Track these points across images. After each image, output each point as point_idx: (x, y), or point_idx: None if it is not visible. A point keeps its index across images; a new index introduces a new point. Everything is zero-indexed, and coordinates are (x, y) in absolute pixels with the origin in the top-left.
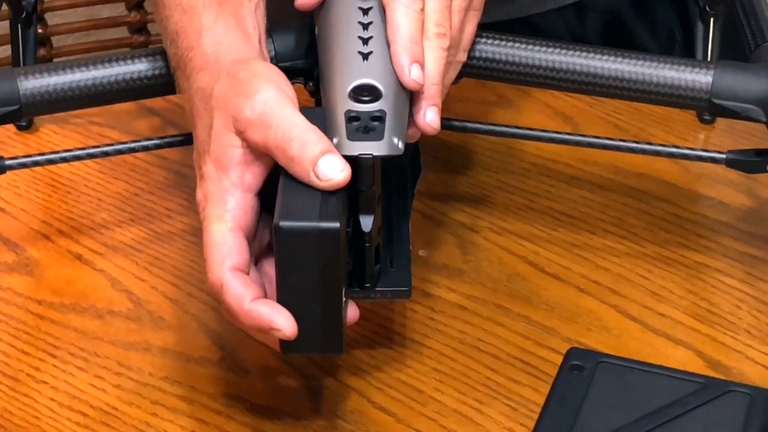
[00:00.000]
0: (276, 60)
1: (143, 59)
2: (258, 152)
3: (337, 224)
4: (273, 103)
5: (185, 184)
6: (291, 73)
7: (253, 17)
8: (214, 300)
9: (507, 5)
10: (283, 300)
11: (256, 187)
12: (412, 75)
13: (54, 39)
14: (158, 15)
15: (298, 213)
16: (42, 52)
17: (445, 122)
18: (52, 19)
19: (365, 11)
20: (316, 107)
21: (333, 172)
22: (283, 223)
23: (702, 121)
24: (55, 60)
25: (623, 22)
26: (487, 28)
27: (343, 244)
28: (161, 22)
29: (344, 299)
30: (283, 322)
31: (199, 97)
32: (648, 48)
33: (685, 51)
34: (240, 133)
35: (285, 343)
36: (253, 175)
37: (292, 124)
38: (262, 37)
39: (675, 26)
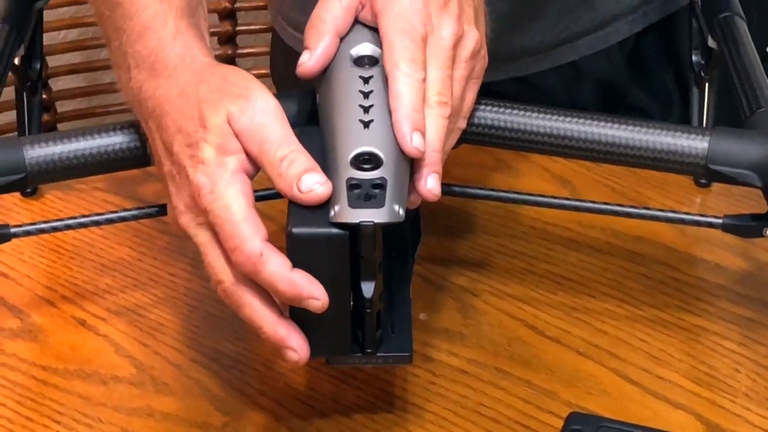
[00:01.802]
0: None
1: None
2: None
3: (346, 231)
4: (272, 115)
5: (188, 249)
6: None
7: (206, 29)
8: (245, 273)
9: (506, 65)
10: None
11: (253, 175)
12: (413, 143)
13: (57, 104)
14: (113, 13)
15: (310, 220)
16: (46, 117)
17: (445, 188)
18: (56, 84)
19: (366, 80)
20: (310, 126)
21: (313, 184)
22: (296, 230)
23: (698, 184)
24: (58, 125)
25: (620, 84)
26: (485, 86)
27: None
28: (118, 20)
29: (351, 303)
30: (319, 292)
31: (177, 92)
32: (645, 108)
33: (682, 112)
34: (236, 134)
35: None
36: (252, 164)
37: (285, 143)
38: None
39: (672, 88)
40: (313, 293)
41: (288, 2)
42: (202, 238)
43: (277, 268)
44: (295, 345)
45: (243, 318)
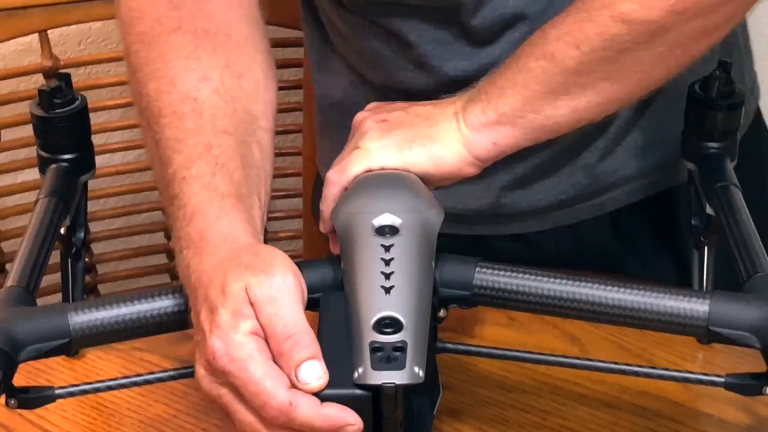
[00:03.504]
0: (309, 291)
1: (182, 293)
2: None
3: (369, 392)
4: (287, 292)
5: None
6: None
7: (258, 215)
8: (280, 425)
9: (509, 223)
10: None
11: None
12: None
13: (98, 266)
14: (170, 193)
15: (335, 379)
16: (87, 278)
17: (463, 347)
18: (97, 247)
19: (387, 248)
20: (336, 292)
21: (311, 377)
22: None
23: (701, 342)
24: (99, 285)
25: (614, 251)
26: (484, 241)
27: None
28: (175, 211)
29: None
30: (353, 418)
31: (212, 265)
32: (636, 271)
33: (675, 273)
34: (252, 303)
35: None
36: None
37: (293, 321)
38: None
39: (666, 261)
40: (348, 420)
41: (324, 148)
42: (226, 398)
43: (310, 409)
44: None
45: None
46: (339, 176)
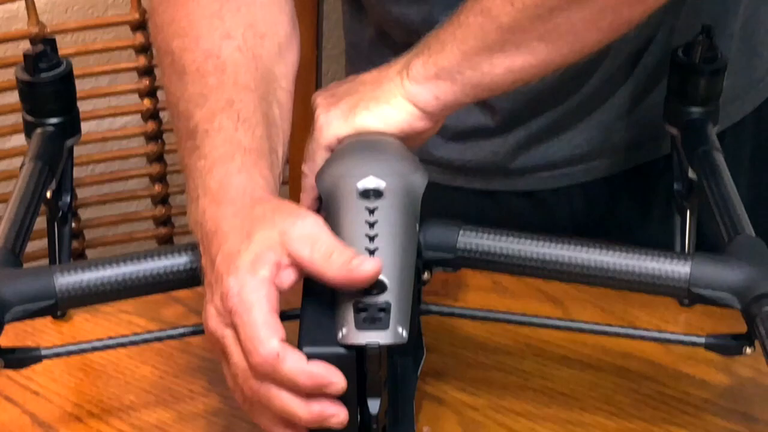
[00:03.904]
0: None
1: (168, 256)
2: (290, 263)
3: (353, 351)
4: (320, 227)
5: (206, 368)
6: None
7: (276, 174)
8: (261, 377)
9: (524, 178)
10: None
11: (281, 288)
12: None
13: (85, 231)
14: (191, 145)
15: (319, 339)
16: (75, 244)
17: (447, 310)
18: (84, 213)
19: (371, 211)
20: None
21: (365, 265)
22: (306, 349)
23: (682, 304)
24: (86, 251)
25: (625, 212)
26: (494, 196)
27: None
28: (195, 161)
29: (358, 418)
30: (337, 377)
31: (233, 212)
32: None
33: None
34: (284, 244)
35: None
36: (281, 278)
37: (334, 243)
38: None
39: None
40: (332, 379)
41: None
42: (227, 340)
43: (295, 364)
44: (334, 411)
45: (277, 410)
46: (305, 167)
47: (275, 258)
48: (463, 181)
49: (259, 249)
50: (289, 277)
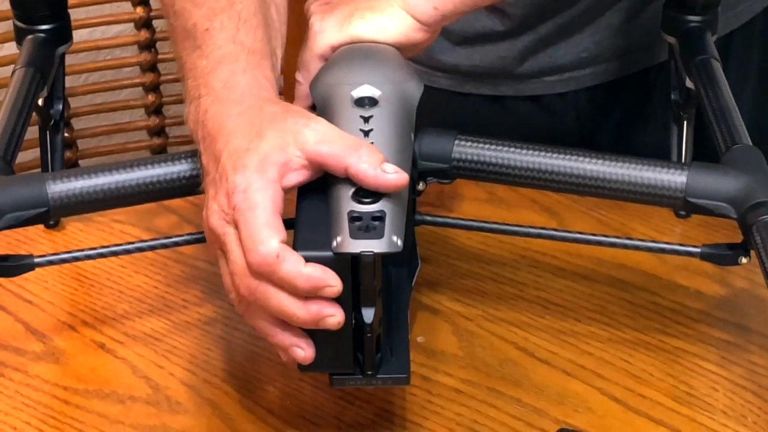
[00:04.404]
0: None
1: (162, 164)
2: (302, 164)
3: (348, 256)
4: (335, 129)
5: (200, 277)
6: None
7: (278, 79)
8: (259, 276)
9: (532, 82)
10: None
11: (287, 188)
12: None
13: (79, 142)
14: (189, 44)
15: (314, 242)
16: (68, 154)
17: (441, 220)
18: (78, 123)
19: (366, 119)
20: None
21: (395, 175)
22: (302, 253)
23: (678, 215)
24: (80, 161)
25: (632, 119)
26: (497, 100)
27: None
28: (195, 59)
29: (353, 323)
30: (334, 280)
31: (239, 111)
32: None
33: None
34: (299, 144)
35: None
36: (288, 179)
37: (355, 139)
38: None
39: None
40: (329, 281)
41: None
42: (228, 238)
43: (294, 266)
44: (331, 311)
45: (273, 311)
46: (298, 75)
47: (284, 158)
48: (471, 87)
49: (269, 148)
50: (296, 178)
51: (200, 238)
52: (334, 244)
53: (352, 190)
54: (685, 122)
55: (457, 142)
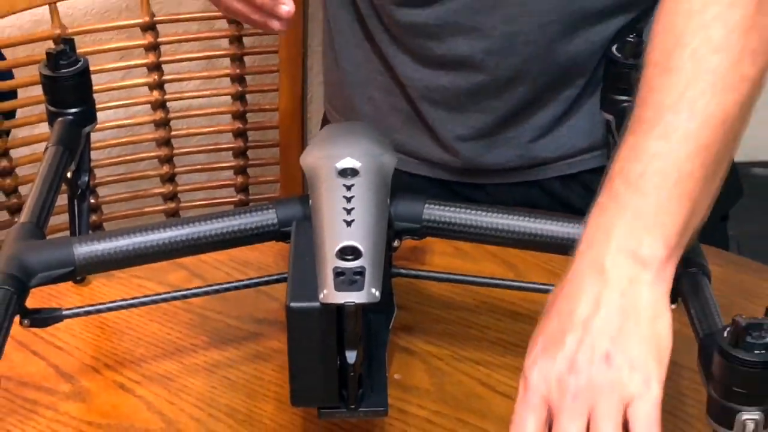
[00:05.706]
0: (279, 225)
1: (173, 228)
2: None
3: (334, 306)
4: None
5: (207, 325)
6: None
7: None
8: None
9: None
10: (292, 360)
11: None
12: None
13: (103, 207)
14: None
15: (305, 297)
16: (93, 218)
17: (414, 272)
18: (102, 191)
19: (348, 187)
20: (306, 222)
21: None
22: (293, 304)
23: None
24: (104, 224)
25: None
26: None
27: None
28: None
29: (338, 362)
30: None
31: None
32: None
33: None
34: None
35: (295, 395)
36: None
37: None
38: None
39: None
40: None
41: (330, 92)
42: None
43: None
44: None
45: None
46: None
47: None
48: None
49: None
50: None
51: (208, 290)
52: (321, 295)
53: (337, 248)
54: None
55: (426, 205)
